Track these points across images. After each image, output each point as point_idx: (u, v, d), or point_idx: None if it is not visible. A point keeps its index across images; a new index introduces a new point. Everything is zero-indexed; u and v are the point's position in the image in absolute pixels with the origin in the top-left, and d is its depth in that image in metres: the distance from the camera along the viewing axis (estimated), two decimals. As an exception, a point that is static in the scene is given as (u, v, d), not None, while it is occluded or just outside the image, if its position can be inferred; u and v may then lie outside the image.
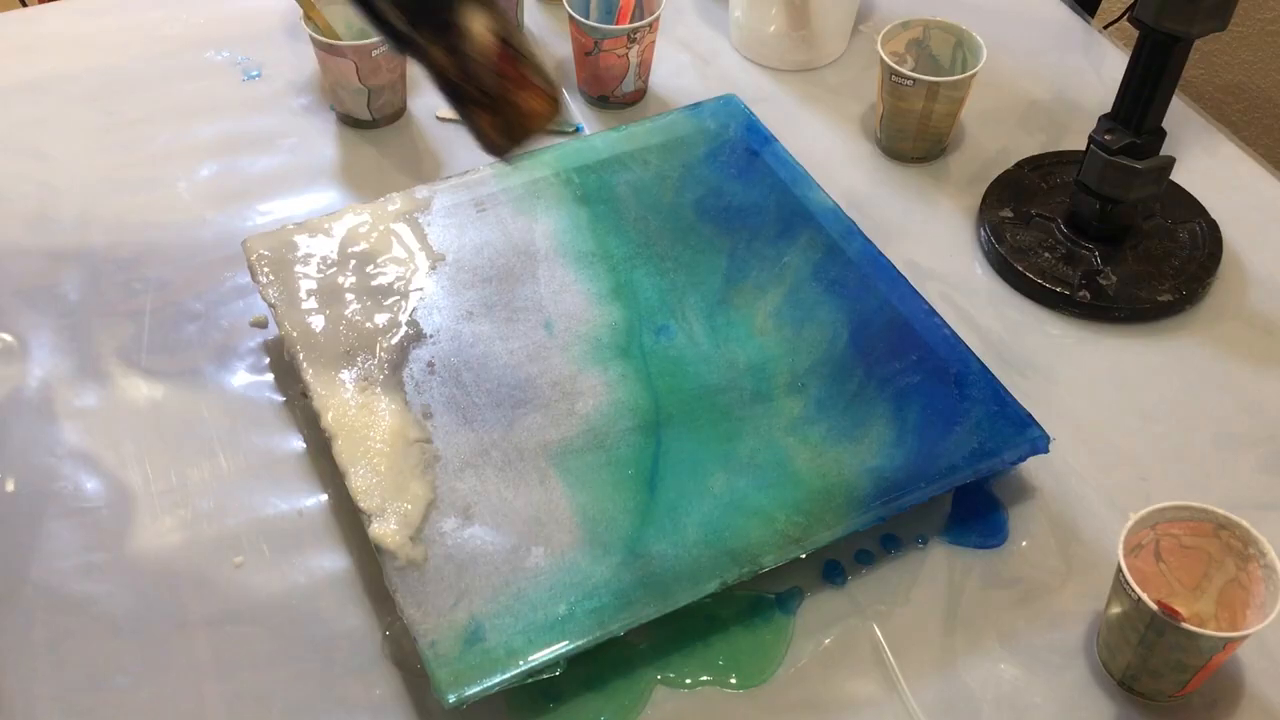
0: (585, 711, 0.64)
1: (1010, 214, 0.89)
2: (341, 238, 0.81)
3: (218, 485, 0.74)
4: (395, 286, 0.79)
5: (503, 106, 0.56)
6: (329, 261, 0.80)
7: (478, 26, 0.54)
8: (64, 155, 0.95)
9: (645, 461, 0.70)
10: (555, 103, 0.57)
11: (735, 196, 0.86)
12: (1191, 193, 0.90)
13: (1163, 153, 0.81)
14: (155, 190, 0.92)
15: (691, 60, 1.05)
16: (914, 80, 0.89)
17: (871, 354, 0.76)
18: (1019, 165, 0.93)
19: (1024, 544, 0.71)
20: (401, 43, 0.55)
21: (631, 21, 0.95)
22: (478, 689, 0.60)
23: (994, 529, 0.72)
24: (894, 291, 0.79)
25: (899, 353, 0.76)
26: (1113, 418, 0.78)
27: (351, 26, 0.95)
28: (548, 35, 1.06)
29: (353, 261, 0.80)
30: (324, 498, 0.73)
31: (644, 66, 0.98)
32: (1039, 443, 0.71)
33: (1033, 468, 0.74)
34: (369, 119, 0.96)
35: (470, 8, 0.54)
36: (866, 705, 0.65)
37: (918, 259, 0.87)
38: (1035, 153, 0.94)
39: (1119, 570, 0.61)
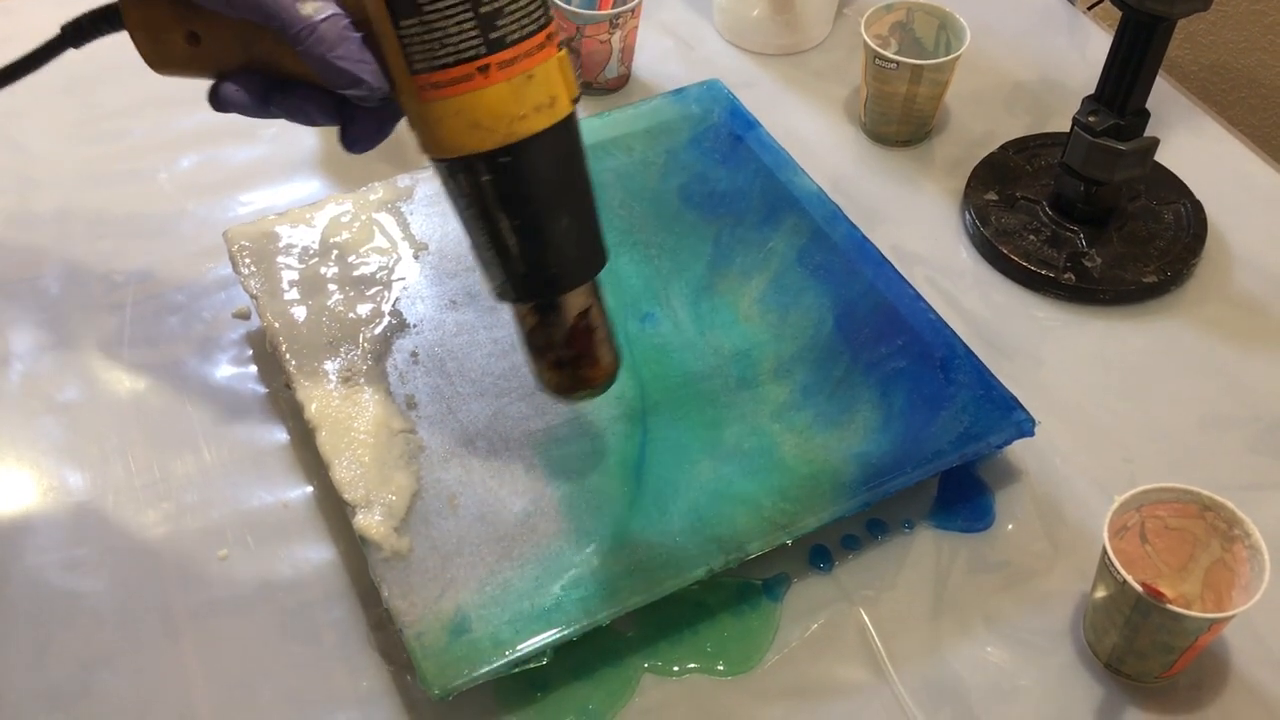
0: (573, 700, 0.64)
1: (995, 197, 0.89)
2: (323, 228, 0.81)
3: (201, 478, 0.73)
4: (378, 276, 0.79)
5: (566, 368, 0.61)
6: (311, 252, 0.79)
7: (569, 312, 0.59)
8: (43, 148, 0.94)
9: (631, 450, 0.70)
10: (612, 377, 0.62)
11: (720, 182, 0.86)
12: (1176, 174, 0.90)
13: (1147, 134, 0.81)
14: (135, 182, 0.91)
15: (675, 45, 1.04)
16: (898, 63, 0.89)
17: (857, 339, 0.76)
18: (1004, 148, 0.93)
19: (1010, 527, 0.71)
20: (497, 296, 0.59)
21: (614, 7, 0.95)
22: (465, 679, 0.60)
23: (980, 513, 0.72)
24: (879, 276, 0.79)
25: (884, 338, 0.76)
26: (1098, 400, 0.78)
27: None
28: (530, 21, 1.05)
29: (335, 251, 0.80)
30: (309, 489, 0.73)
31: (627, 52, 0.97)
32: (1024, 426, 0.71)
33: (1019, 451, 0.74)
34: (350, 107, 0.95)
35: (574, 296, 0.58)
36: (854, 690, 0.65)
37: (903, 243, 0.87)
38: (1020, 135, 0.94)
39: (1104, 552, 0.61)
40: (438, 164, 0.55)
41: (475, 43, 0.51)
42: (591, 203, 0.58)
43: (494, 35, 0.51)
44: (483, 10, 0.50)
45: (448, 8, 0.50)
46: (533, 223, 0.55)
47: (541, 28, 0.52)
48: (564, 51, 0.54)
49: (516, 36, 0.51)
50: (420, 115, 0.53)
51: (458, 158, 0.54)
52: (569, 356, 0.60)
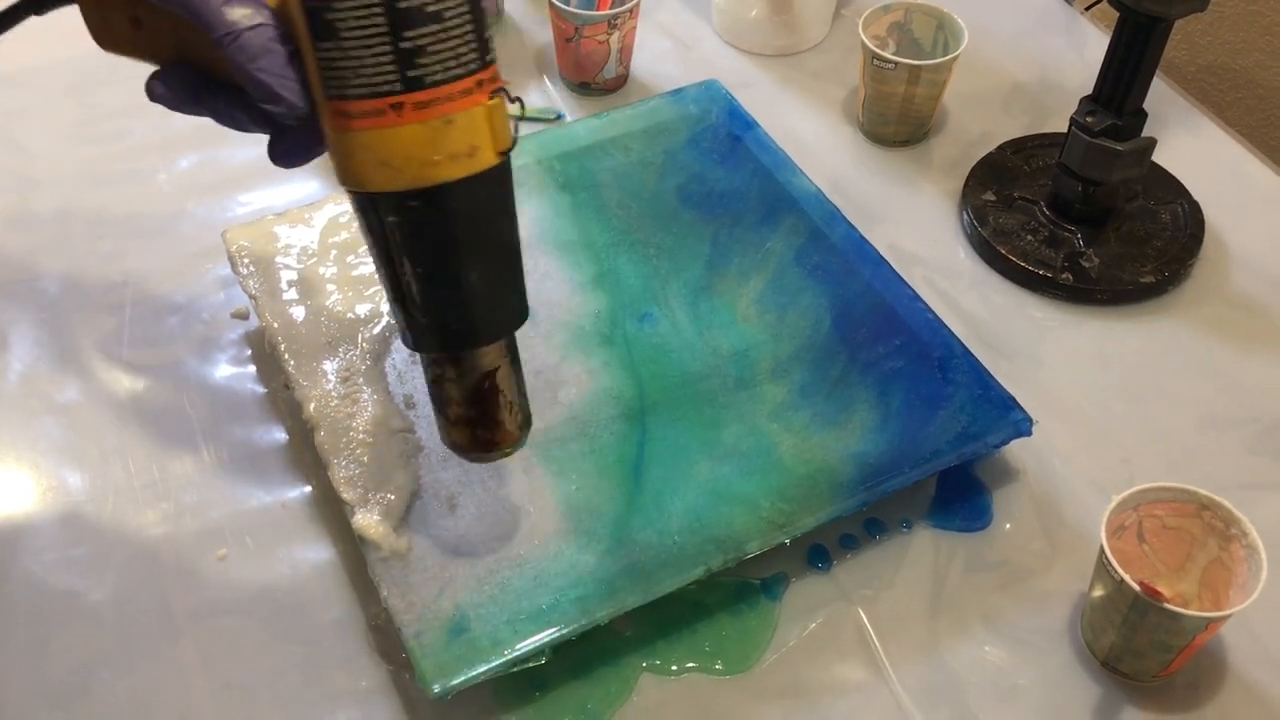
0: (571, 700, 0.64)
1: (993, 197, 0.89)
2: (322, 228, 0.81)
3: (200, 478, 0.73)
4: (376, 276, 0.78)
5: (465, 427, 0.59)
6: (310, 252, 0.79)
7: (479, 365, 0.56)
8: (42, 148, 0.94)
9: (629, 449, 0.70)
10: (516, 444, 0.60)
11: (718, 182, 0.86)
12: (1174, 174, 0.90)
13: (1144, 134, 0.81)
14: (135, 182, 0.91)
15: (673, 46, 1.04)
16: (896, 64, 0.89)
17: (855, 339, 0.76)
18: (1001, 148, 0.93)
19: (1008, 527, 0.72)
20: (410, 345, 0.57)
21: (612, 7, 0.95)
22: (463, 679, 0.60)
23: (978, 512, 0.72)
24: (877, 276, 0.79)
25: (882, 337, 0.76)
26: (1096, 400, 0.78)
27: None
28: (528, 22, 1.05)
29: (334, 252, 0.80)
30: (307, 489, 0.73)
31: (625, 52, 0.97)
32: (1022, 425, 0.71)
33: (1016, 450, 0.74)
34: (349, 108, 0.95)
35: (483, 353, 0.56)
36: (852, 690, 0.65)
37: (901, 243, 0.87)
38: (1018, 135, 0.94)
39: (1102, 552, 0.61)
40: (349, 195, 0.54)
41: (391, 78, 0.49)
42: (512, 259, 0.56)
43: (412, 73, 0.49)
44: (403, 46, 0.48)
45: (367, 37, 0.48)
46: (437, 273, 0.53)
47: (470, 73, 0.50)
48: (496, 100, 0.51)
49: (438, 78, 0.49)
50: (334, 143, 0.52)
51: (365, 193, 0.52)
52: (469, 416, 0.58)
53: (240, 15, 0.50)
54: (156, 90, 0.55)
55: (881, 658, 0.66)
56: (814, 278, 0.79)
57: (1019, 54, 1.03)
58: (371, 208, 0.52)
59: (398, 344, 0.75)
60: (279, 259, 0.79)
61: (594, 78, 0.97)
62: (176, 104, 0.55)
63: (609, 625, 0.63)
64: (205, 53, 0.53)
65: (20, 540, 0.70)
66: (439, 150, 0.50)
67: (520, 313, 0.57)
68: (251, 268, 0.78)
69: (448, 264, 0.53)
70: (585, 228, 0.83)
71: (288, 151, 0.54)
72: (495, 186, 0.53)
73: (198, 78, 0.54)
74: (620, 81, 0.99)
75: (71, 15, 0.58)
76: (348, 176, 0.52)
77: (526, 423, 0.61)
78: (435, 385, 0.58)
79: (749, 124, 0.89)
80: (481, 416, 0.58)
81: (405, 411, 0.71)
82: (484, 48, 0.51)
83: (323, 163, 0.95)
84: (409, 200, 0.51)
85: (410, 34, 0.48)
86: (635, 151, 0.88)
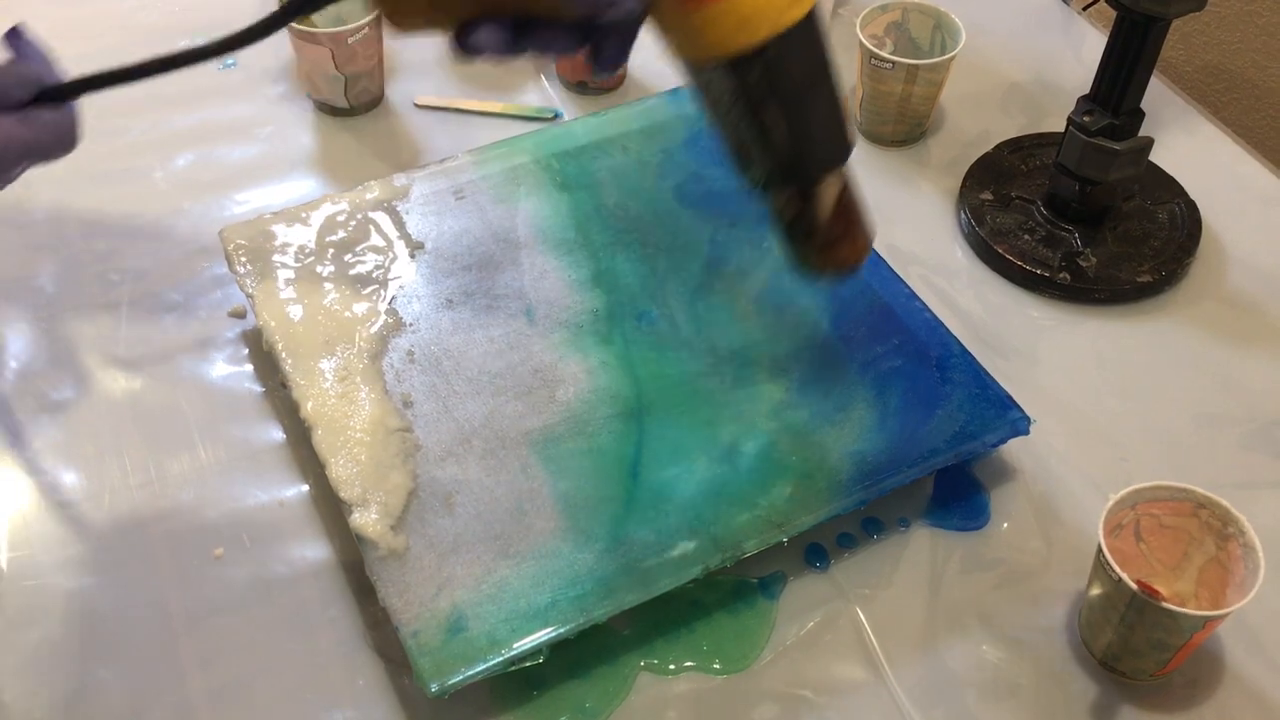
0: (569, 699, 0.64)
1: (990, 196, 0.89)
2: (319, 226, 0.81)
3: (197, 477, 0.73)
4: (374, 275, 0.79)
5: (829, 250, 0.63)
6: (307, 251, 0.79)
7: (829, 193, 0.60)
8: (38, 146, 0.94)
9: (627, 448, 0.70)
10: (868, 253, 0.65)
11: (716, 181, 0.86)
12: (1170, 174, 0.91)
13: (1141, 134, 0.82)
14: (131, 181, 0.91)
15: (671, 45, 1.04)
16: (893, 63, 0.89)
17: (853, 338, 0.76)
18: (999, 148, 0.93)
19: (1005, 525, 0.72)
20: (760, 184, 0.61)
21: (610, 6, 0.95)
22: (461, 677, 0.60)
23: (975, 511, 0.72)
24: (875, 275, 0.79)
25: (880, 337, 0.76)
26: (1093, 399, 0.78)
27: (326, 14, 0.94)
28: (526, 21, 1.05)
29: (331, 250, 0.80)
30: (305, 488, 0.73)
31: (623, 51, 0.97)
32: (1020, 424, 0.71)
33: (1014, 449, 0.74)
34: (346, 107, 0.95)
35: (831, 178, 0.60)
36: (850, 689, 0.65)
37: (898, 242, 0.87)
38: (1015, 135, 0.94)
39: (1099, 551, 0.61)
40: (700, 70, 0.57)
41: None
42: (839, 87, 0.59)
43: None
44: None
45: None
46: (799, 109, 0.57)
47: None
48: None
49: None
50: (684, 26, 0.54)
51: (726, 59, 0.55)
52: (832, 238, 0.62)
53: None
54: (483, 42, 0.55)
55: (879, 657, 0.66)
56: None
57: (1016, 53, 1.03)
58: (732, 71, 0.55)
59: (395, 343, 0.75)
60: (276, 258, 0.79)
61: (592, 77, 0.97)
62: (501, 49, 0.56)
63: (607, 624, 0.63)
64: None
65: (17, 540, 0.70)
66: None
67: (853, 137, 0.61)
68: (249, 266, 0.78)
69: (807, 97, 0.57)
70: (583, 227, 0.82)
71: (613, 56, 0.56)
72: (817, 20, 0.57)
73: (507, 23, 0.56)
74: (618, 81, 0.99)
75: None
76: (707, 47, 0.55)
77: (871, 238, 0.65)
78: (798, 219, 0.62)
79: (746, 123, 0.89)
80: (846, 234, 0.63)
81: (403, 410, 0.71)
82: None
83: (320, 161, 0.95)
84: (768, 50, 0.54)
85: None
86: (633, 151, 0.88)
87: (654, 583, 0.64)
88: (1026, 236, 0.86)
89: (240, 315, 0.82)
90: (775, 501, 0.67)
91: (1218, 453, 0.76)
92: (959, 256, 0.87)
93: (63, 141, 0.57)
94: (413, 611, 0.62)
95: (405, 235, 0.81)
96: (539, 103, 0.98)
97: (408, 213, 0.83)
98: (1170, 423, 0.77)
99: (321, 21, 0.93)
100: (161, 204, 0.90)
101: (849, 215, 0.62)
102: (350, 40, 0.90)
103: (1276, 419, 0.77)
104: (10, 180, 0.55)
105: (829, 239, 0.62)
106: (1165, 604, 0.59)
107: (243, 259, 0.78)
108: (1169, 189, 0.90)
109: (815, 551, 0.70)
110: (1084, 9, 1.10)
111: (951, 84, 0.93)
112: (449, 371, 0.73)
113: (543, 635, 0.62)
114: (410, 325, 0.76)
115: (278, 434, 0.75)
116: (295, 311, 0.76)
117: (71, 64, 0.56)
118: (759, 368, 0.74)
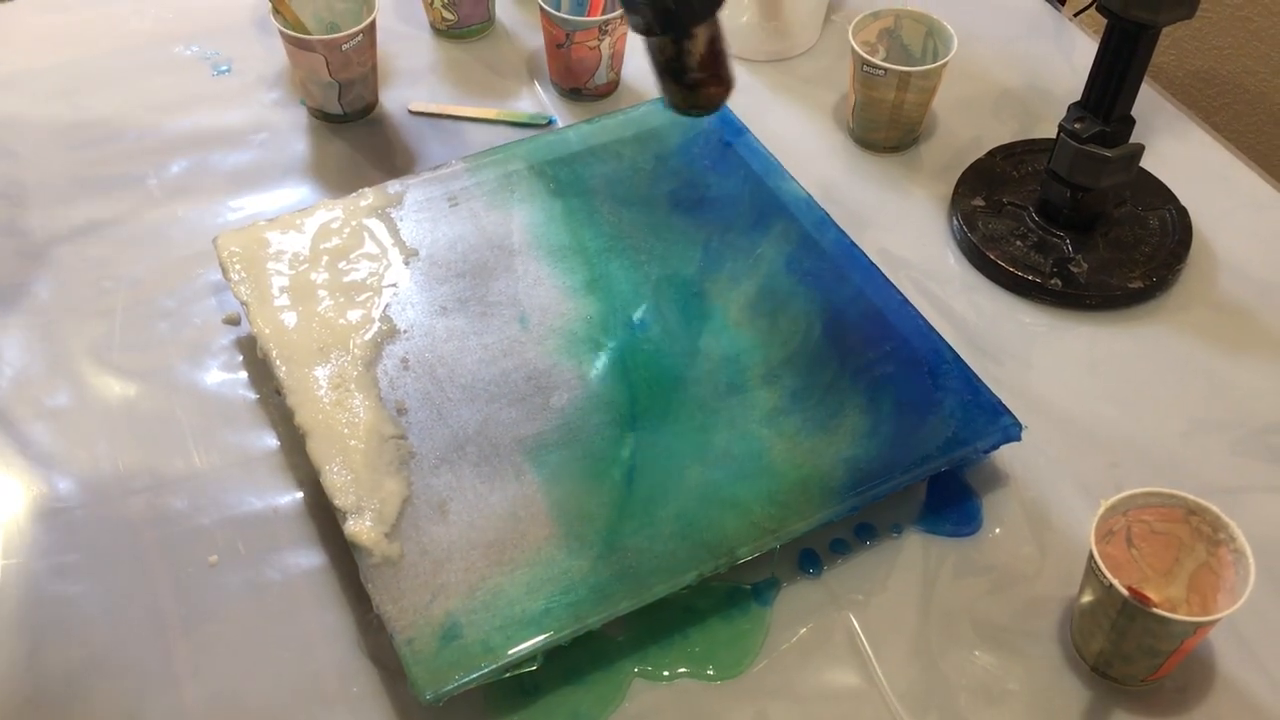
0: (563, 705, 0.64)
1: (982, 202, 0.90)
2: (313, 234, 0.81)
3: (192, 484, 0.73)
4: (368, 282, 0.79)
5: (697, 89, 0.69)
6: (301, 258, 0.79)
7: (702, 35, 0.67)
8: (33, 152, 0.94)
9: (621, 455, 0.70)
10: (730, 91, 0.71)
11: (709, 188, 0.86)
12: (1162, 180, 0.91)
13: (1133, 140, 0.82)
14: (125, 187, 0.91)
15: (664, 51, 1.04)
16: (885, 70, 0.89)
17: (845, 344, 0.76)
18: (991, 154, 0.93)
19: (998, 531, 0.72)
20: (642, 31, 0.68)
21: (603, 13, 0.95)
22: (455, 685, 0.60)
23: (968, 517, 0.72)
24: (867, 281, 0.79)
25: (873, 343, 0.76)
26: (1085, 405, 0.79)
27: (320, 20, 0.94)
28: (519, 27, 1.06)
29: (325, 258, 0.80)
30: (299, 495, 0.73)
31: (616, 58, 0.97)
32: (1012, 430, 0.72)
33: (1006, 455, 0.75)
34: (340, 113, 0.95)
35: (701, 28, 0.67)
36: (843, 694, 0.65)
37: (891, 248, 0.87)
38: (1007, 141, 0.94)
39: (1091, 557, 0.62)
40: None
41: None
42: None
43: None
44: None
45: None
46: None
47: None
48: None
49: None
50: None
51: None
52: (700, 79, 0.69)
53: None
54: None
55: (872, 662, 0.66)
56: (805, 283, 0.80)
57: (1008, 60, 1.04)
58: None
59: (389, 350, 0.75)
60: (270, 265, 0.79)
61: (585, 83, 0.98)
62: None
63: (601, 630, 0.63)
64: None
65: (11, 545, 0.70)
66: None
67: None
68: (243, 273, 0.78)
69: None
70: (577, 233, 0.83)
71: None
72: None
73: None
74: (611, 87, 0.99)
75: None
76: None
77: (732, 79, 0.71)
78: (674, 60, 0.68)
79: (739, 130, 0.89)
80: (712, 76, 0.69)
81: (397, 418, 0.71)
82: None
83: (314, 168, 0.95)
84: None
85: None
86: (627, 157, 0.88)
87: (648, 589, 0.64)
88: (1018, 242, 0.87)
89: (234, 322, 0.82)
90: (768, 508, 0.67)
91: (1209, 458, 0.76)
92: (951, 262, 0.88)
93: None
94: (407, 619, 0.62)
95: (399, 242, 0.81)
96: (533, 109, 0.98)
97: (402, 219, 0.83)
98: (1161, 429, 0.78)
99: (315, 28, 0.93)
100: (156, 211, 0.90)
101: (716, 61, 0.69)
102: (344, 47, 0.91)
103: (1267, 425, 0.78)
104: None
105: (697, 80, 0.69)
106: (1156, 610, 0.60)
107: (237, 266, 0.78)
108: (1160, 195, 0.90)
109: (808, 557, 0.70)
110: (1075, 15, 1.10)
111: (944, 90, 0.94)
112: (443, 378, 0.74)
113: (537, 642, 0.62)
114: (404, 332, 0.76)
115: (272, 441, 0.75)
116: (289, 318, 0.76)
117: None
118: (752, 374, 0.75)
